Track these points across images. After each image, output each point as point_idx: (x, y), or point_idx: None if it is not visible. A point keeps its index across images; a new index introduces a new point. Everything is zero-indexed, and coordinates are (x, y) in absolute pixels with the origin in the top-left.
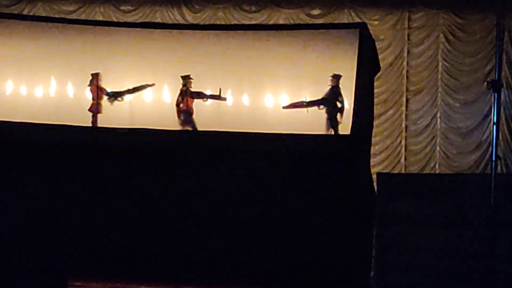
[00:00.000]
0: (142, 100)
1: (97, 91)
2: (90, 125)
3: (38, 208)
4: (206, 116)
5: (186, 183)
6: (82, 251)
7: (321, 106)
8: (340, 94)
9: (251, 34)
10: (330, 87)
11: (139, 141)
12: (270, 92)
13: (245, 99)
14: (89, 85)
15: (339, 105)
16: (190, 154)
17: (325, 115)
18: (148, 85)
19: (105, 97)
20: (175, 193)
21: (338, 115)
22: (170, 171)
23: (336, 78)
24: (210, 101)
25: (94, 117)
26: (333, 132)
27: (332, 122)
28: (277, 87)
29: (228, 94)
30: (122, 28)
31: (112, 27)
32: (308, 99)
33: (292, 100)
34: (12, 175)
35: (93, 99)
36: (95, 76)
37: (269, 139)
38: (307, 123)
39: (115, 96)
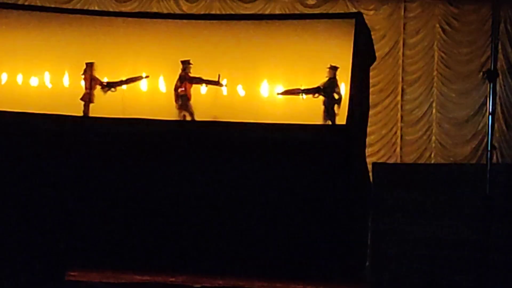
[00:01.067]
0: (137, 89)
1: (90, 80)
2: (82, 114)
3: (33, 199)
4: (201, 105)
5: (181, 173)
6: (79, 241)
7: (316, 95)
8: (337, 86)
9: (247, 24)
10: (327, 78)
11: (133, 130)
12: (266, 81)
13: (241, 89)
14: (82, 74)
15: (336, 96)
16: (184, 144)
17: (322, 107)
18: (142, 77)
19: (98, 87)
20: (169, 182)
21: (336, 106)
22: (165, 161)
23: (333, 69)
24: (205, 90)
25: (86, 107)
26: (330, 123)
27: (329, 113)
28: (272, 77)
29: (223, 84)
30: (118, 18)
31: (107, 17)
32: (303, 87)
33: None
34: (5, 166)
35: (86, 88)
36: (89, 66)
37: (264, 129)
38: (303, 113)
39: (108, 86)
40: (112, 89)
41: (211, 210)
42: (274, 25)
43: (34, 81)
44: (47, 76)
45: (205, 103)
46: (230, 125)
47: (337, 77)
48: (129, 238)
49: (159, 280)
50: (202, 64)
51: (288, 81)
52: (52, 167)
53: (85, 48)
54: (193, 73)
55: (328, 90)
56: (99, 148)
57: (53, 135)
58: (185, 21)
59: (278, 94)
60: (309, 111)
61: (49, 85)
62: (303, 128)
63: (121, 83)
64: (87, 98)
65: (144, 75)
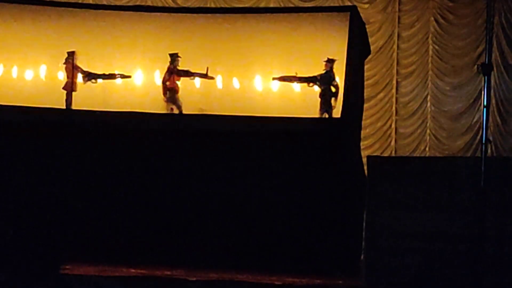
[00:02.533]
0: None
1: (72, 69)
2: (64, 102)
3: (27, 193)
4: (196, 99)
5: (176, 168)
6: (75, 234)
7: (311, 84)
8: (334, 79)
9: (241, 18)
10: (324, 71)
11: (122, 123)
12: (261, 75)
13: (236, 83)
14: (64, 63)
15: (333, 89)
16: (176, 138)
17: (319, 99)
18: (124, 76)
19: (80, 76)
20: (167, 177)
21: (333, 99)
22: (158, 155)
23: (330, 62)
24: (199, 83)
25: (68, 96)
26: (327, 116)
27: (326, 106)
28: (267, 70)
29: (218, 78)
30: (113, 11)
31: (102, 10)
32: (299, 76)
33: (283, 85)
34: None
35: (67, 77)
36: (71, 55)
37: (259, 122)
38: (299, 107)
39: (89, 77)
40: (93, 80)
41: (206, 204)
42: (268, 18)
43: (29, 74)
44: (42, 69)
45: (199, 96)
46: (224, 118)
47: (334, 70)
48: (125, 231)
49: (154, 273)
50: (196, 57)
51: (282, 74)
52: (44, 162)
53: (79, 42)
54: (189, 66)
55: (324, 82)
56: (90, 141)
57: (42, 127)
58: (180, 14)
59: (273, 79)
60: (305, 104)
61: (44, 79)
62: (298, 121)
63: (103, 76)
64: (69, 87)
65: (126, 74)
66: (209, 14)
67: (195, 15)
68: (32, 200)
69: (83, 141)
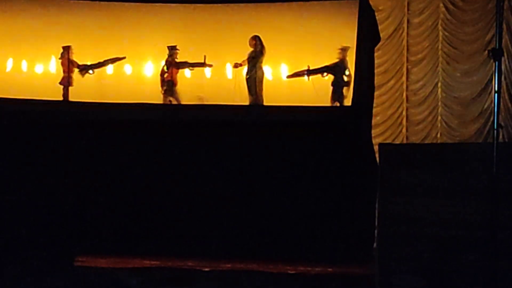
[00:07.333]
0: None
1: (68, 64)
2: (62, 97)
3: (41, 186)
4: (207, 89)
5: (184, 157)
6: (88, 227)
7: (325, 74)
8: (347, 67)
9: (251, 7)
10: (337, 59)
11: (127, 114)
12: (270, 64)
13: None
14: (60, 58)
15: (345, 78)
16: (184, 127)
17: (330, 88)
18: (118, 58)
19: (76, 70)
20: (173, 167)
21: (345, 88)
22: (170, 145)
23: (344, 50)
24: (209, 74)
25: (65, 90)
26: (338, 105)
27: (338, 95)
28: (277, 59)
29: (227, 67)
30: (124, 3)
31: (109, 2)
32: (311, 68)
33: (293, 71)
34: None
35: (64, 72)
36: (66, 49)
37: (269, 111)
38: (309, 96)
39: (86, 68)
40: (90, 71)
41: (218, 194)
42: (277, 6)
43: (39, 68)
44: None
45: (207, 86)
46: (236, 108)
47: (347, 59)
48: (137, 223)
49: (168, 264)
50: (204, 47)
51: (292, 63)
52: (53, 156)
53: (77, 33)
54: (199, 56)
55: (337, 70)
56: (97, 134)
57: (42, 119)
58: (187, 4)
59: (287, 77)
60: (316, 93)
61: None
62: (309, 109)
63: (98, 65)
64: (66, 82)
65: (120, 56)
66: (216, 4)
67: (202, 5)
68: (45, 193)
69: (90, 134)
